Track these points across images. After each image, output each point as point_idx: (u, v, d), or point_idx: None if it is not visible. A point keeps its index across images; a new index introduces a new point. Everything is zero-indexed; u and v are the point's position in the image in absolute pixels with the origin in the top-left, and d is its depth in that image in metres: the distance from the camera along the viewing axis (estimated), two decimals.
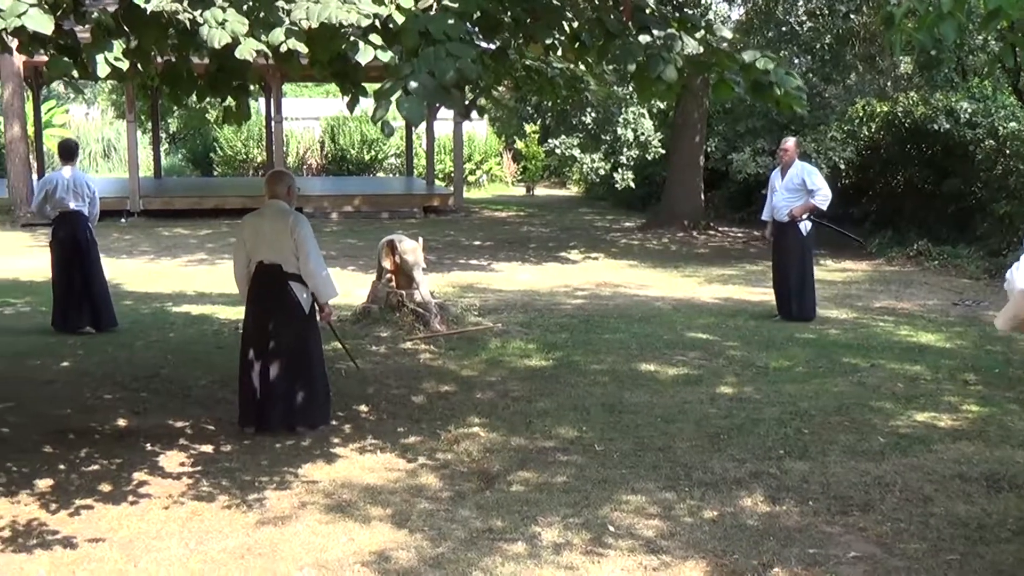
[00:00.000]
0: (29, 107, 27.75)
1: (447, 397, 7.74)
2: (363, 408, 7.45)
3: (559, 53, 6.05)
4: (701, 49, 5.46)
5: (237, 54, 4.33)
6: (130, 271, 14.20)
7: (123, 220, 21.44)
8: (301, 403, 6.95)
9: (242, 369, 7.00)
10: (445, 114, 27.01)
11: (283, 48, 4.50)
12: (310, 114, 36.77)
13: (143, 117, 35.88)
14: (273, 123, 24.07)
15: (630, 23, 5.32)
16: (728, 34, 9.72)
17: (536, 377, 8.32)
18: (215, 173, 34.02)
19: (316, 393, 7.01)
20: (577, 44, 5.61)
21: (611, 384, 8.10)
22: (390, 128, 4.71)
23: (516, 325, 10.34)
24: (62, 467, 6.08)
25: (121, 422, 7.07)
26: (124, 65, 4.54)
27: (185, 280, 13.58)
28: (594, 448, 6.50)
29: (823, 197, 10.56)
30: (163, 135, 40.20)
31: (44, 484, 5.80)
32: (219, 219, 20.77)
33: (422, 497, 5.66)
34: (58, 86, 56.72)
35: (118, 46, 4.53)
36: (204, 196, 23.20)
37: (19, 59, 20.50)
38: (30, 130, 26.55)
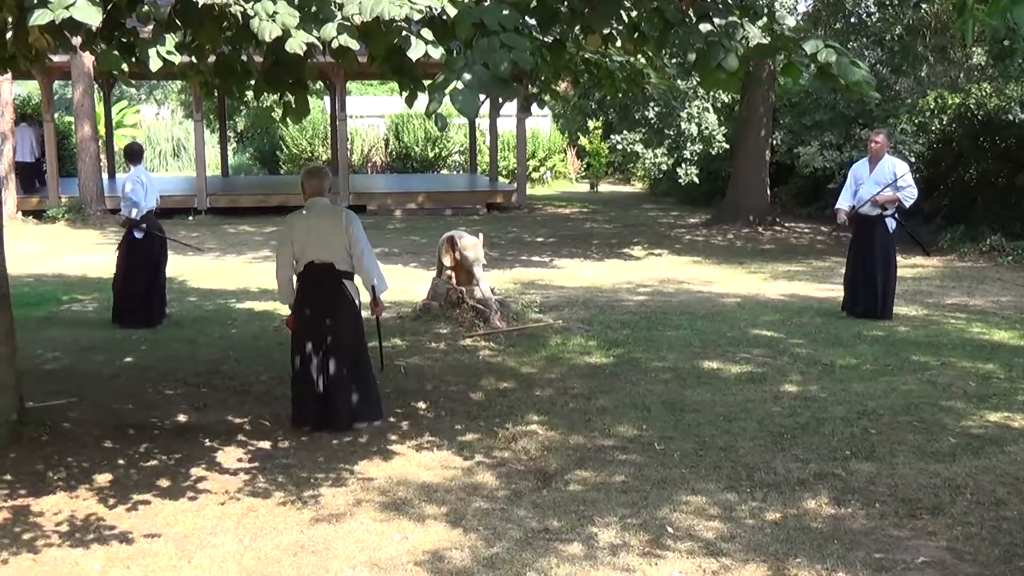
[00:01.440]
0: (101, 107, 28.29)
1: (506, 394, 7.67)
2: (421, 405, 7.41)
3: (618, 44, 5.92)
4: (765, 39, 5.30)
5: (288, 47, 4.29)
6: (195, 268, 14.33)
7: (190, 218, 21.73)
8: (360, 400, 6.93)
9: (297, 370, 6.96)
10: (508, 110, 26.97)
11: (335, 43, 4.44)
12: (375, 112, 36.95)
13: (211, 116, 36.41)
14: (337, 121, 24.19)
15: (690, 11, 5.19)
16: (791, 22, 9.52)
17: (596, 374, 8.21)
18: (281, 171, 34.37)
19: (372, 389, 7.01)
20: (636, 34, 5.48)
21: (672, 382, 7.97)
22: (443, 122, 4.64)
23: (577, 322, 10.24)
24: (121, 462, 6.12)
25: (181, 417, 7.11)
26: (176, 59, 4.52)
27: (249, 277, 13.68)
28: (654, 447, 6.38)
29: (909, 195, 10.29)
30: (231, 134, 40.74)
31: (103, 479, 5.83)
32: (284, 216, 20.84)
33: (478, 496, 5.59)
34: (131, 87, 57.76)
35: (171, 40, 4.51)
36: (270, 194, 23.40)
37: (89, 60, 20.86)
38: (101, 130, 27.08)
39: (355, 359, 6.93)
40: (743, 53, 5.05)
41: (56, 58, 21.14)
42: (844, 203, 10.63)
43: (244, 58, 5.91)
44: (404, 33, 4.58)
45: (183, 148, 40.59)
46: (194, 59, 5.63)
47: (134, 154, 10.58)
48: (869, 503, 5.43)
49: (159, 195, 10.75)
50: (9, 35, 5.67)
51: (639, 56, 7.73)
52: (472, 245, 10.10)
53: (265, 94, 6.25)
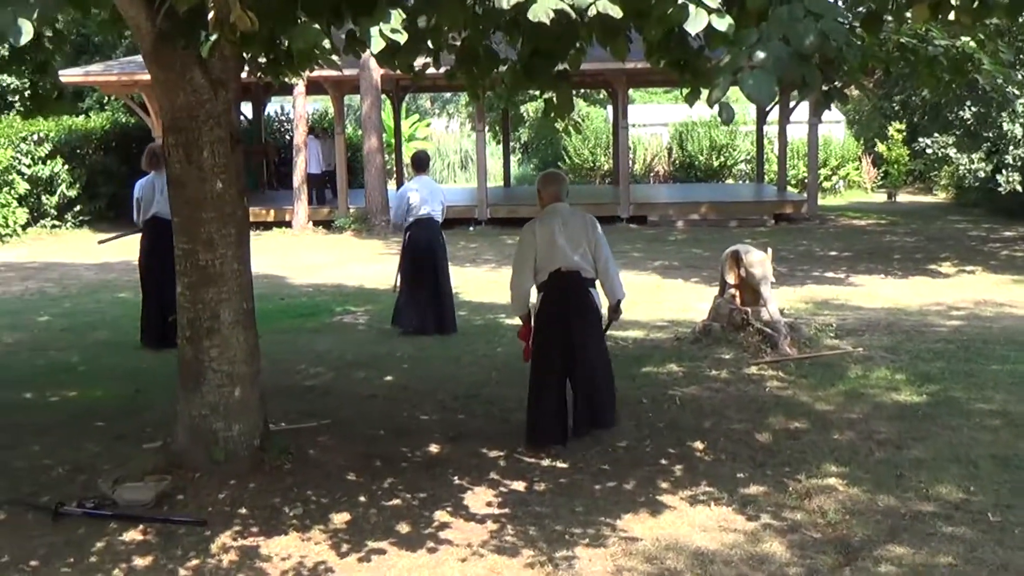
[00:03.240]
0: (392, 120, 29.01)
1: (798, 436, 6.59)
2: (698, 445, 6.46)
3: (950, 17, 4.78)
4: None
5: (530, 15, 3.52)
6: (470, 279, 13.92)
7: (471, 228, 21.68)
8: (602, 409, 6.67)
9: (538, 383, 6.58)
10: (799, 116, 25.44)
11: (592, 11, 3.62)
12: (658, 120, 36.12)
13: (496, 128, 36.78)
14: (619, 129, 23.51)
15: None
16: None
17: (906, 416, 6.96)
18: None
19: (614, 396, 6.80)
20: (977, 2, 4.35)
21: (1004, 430, 6.61)
22: (730, 112, 3.74)
23: (880, 350, 8.94)
24: (362, 499, 5.55)
25: (433, 448, 6.51)
26: (401, 38, 3.86)
27: None
28: (987, 518, 5.14)
29: None
30: (515, 145, 41.09)
31: (340, 519, 5.27)
32: None
33: (764, 571, 4.60)
34: (424, 101, 59.97)
35: (396, 17, 3.86)
36: None
37: (377, 73, 21.23)
38: (390, 141, 27.78)
39: (602, 367, 6.70)
40: None
41: (347, 72, 21.74)
42: None
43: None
44: (681, 0, 3.68)
45: (470, 160, 41.36)
46: (430, 44, 5.00)
47: (419, 163, 10.70)
48: None
49: (444, 204, 10.63)
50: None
51: (969, 40, 6.47)
52: (759, 261, 9.03)
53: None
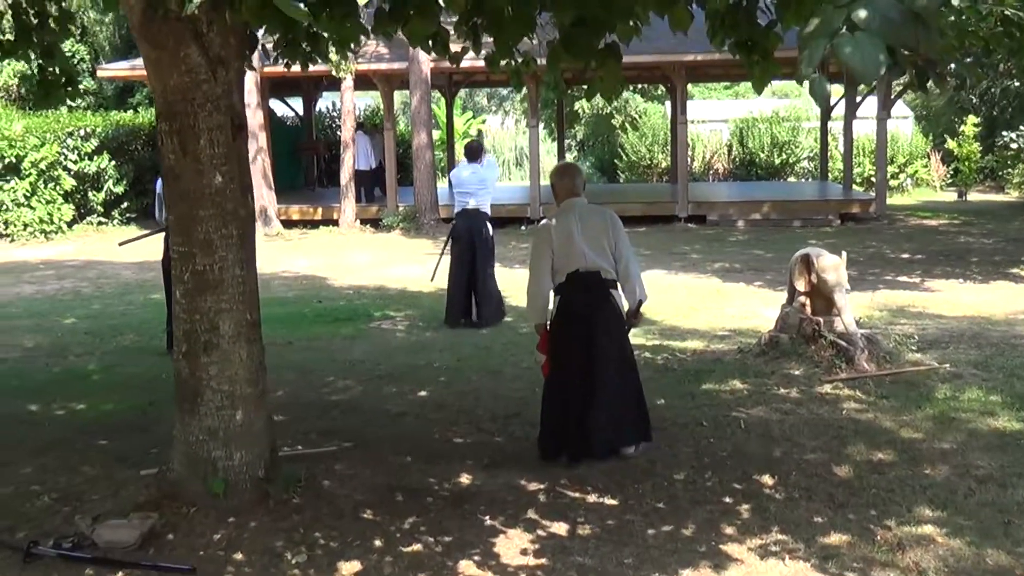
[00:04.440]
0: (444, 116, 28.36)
1: (883, 470, 5.73)
2: (767, 480, 5.63)
3: None
4: None
5: None
6: (519, 282, 13.01)
7: (523, 227, 20.94)
8: (630, 421, 6.07)
9: (553, 392, 6.05)
10: (865, 111, 24.33)
11: None
12: (718, 116, 35.14)
13: (551, 124, 35.98)
14: (678, 124, 22.61)
15: None
16: None
17: (1008, 447, 6.07)
18: (620, 179, 33.39)
19: (643, 406, 6.19)
20: None
21: None
22: (824, 89, 2.91)
23: (968, 365, 8.02)
24: (378, 543, 4.79)
25: (464, 478, 5.74)
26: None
27: None
28: None
29: None
30: (571, 143, 40.28)
31: (349, 570, 4.51)
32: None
33: None
34: (481, 98, 59.51)
35: None
36: (604, 202, 22.13)
37: (426, 66, 20.54)
38: (439, 137, 27.10)
39: (629, 377, 6.12)
40: None
41: (396, 65, 21.10)
42: None
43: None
44: None
45: (525, 157, 40.68)
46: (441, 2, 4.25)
47: (471, 151, 10.77)
48: None
49: (489, 190, 10.69)
50: None
51: None
52: (833, 266, 8.16)
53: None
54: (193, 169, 4.89)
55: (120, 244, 9.95)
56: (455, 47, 6.33)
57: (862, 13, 2.82)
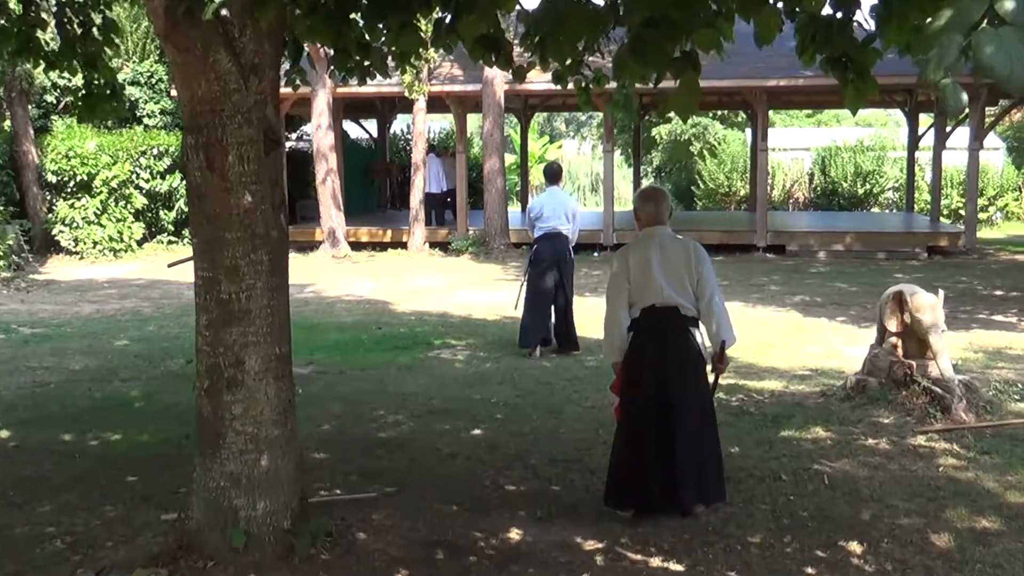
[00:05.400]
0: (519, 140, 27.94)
1: (987, 540, 5.05)
2: (854, 547, 4.98)
3: None
4: None
5: None
6: (591, 311, 12.36)
7: (595, 254, 20.39)
8: (706, 477, 5.45)
9: (625, 437, 5.48)
10: (956, 142, 23.39)
11: None
12: (798, 144, 34.30)
13: (627, 150, 35.42)
14: (758, 151, 21.88)
15: None
16: None
17: None
18: (696, 207, 32.70)
19: (720, 462, 5.59)
20: None
21: None
22: (958, 96, 2.33)
23: None
24: None
25: (514, 533, 5.18)
26: None
27: None
28: None
29: None
30: (647, 168, 39.67)
31: None
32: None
33: None
34: (560, 123, 59.21)
35: None
36: (682, 230, 21.50)
37: (500, 88, 20.14)
38: (513, 161, 26.68)
39: (704, 425, 5.48)
40: None
41: (469, 87, 20.72)
42: None
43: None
44: None
45: (601, 182, 40.28)
46: None
47: (550, 174, 10.52)
48: None
49: (573, 217, 10.33)
50: None
51: None
52: (929, 306, 7.46)
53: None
54: (220, 187, 4.43)
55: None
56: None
57: (1009, 4, 2.25)
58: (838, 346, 10.48)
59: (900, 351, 7.63)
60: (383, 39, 6.27)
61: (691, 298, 5.35)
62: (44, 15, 6.73)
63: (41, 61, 6.75)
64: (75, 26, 6.61)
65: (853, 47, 5.38)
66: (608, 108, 7.90)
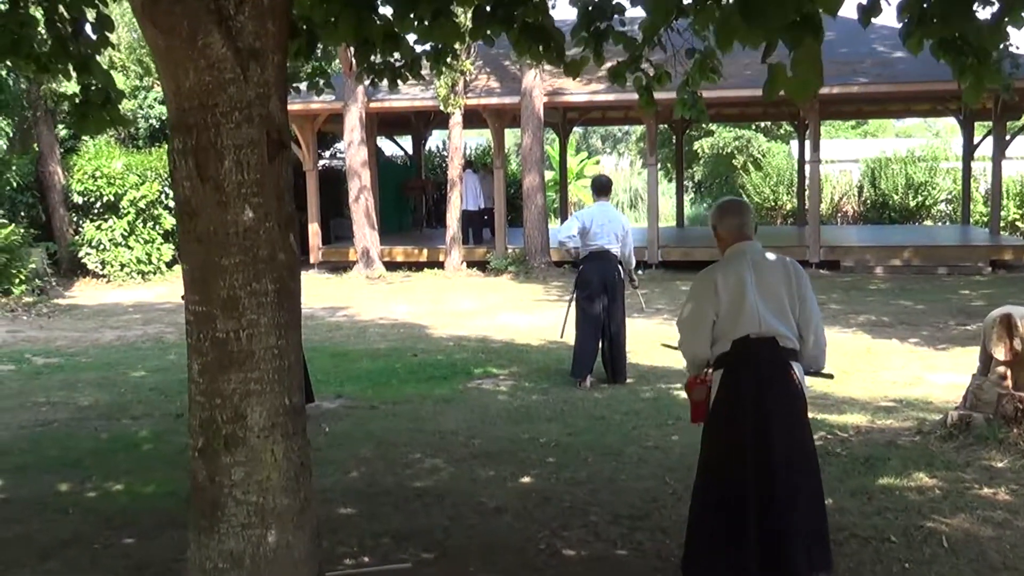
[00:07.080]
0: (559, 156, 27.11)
1: None
2: None
3: None
4: None
5: None
6: (640, 334, 11.41)
7: (639, 271, 19.43)
8: (815, 541, 4.45)
9: (709, 496, 4.54)
10: (1015, 151, 22.31)
11: None
12: (847, 156, 33.24)
13: (668, 165, 34.48)
14: (808, 163, 20.89)
15: None
16: None
17: None
18: None
19: (826, 522, 4.60)
20: None
21: None
22: None
23: None
24: None
25: None
26: None
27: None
28: None
29: None
30: (689, 183, 38.72)
31: None
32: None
33: None
34: (596, 140, 58.44)
35: None
36: None
37: (539, 101, 19.33)
38: (552, 177, 25.83)
39: (809, 481, 4.50)
40: None
41: (507, 100, 19.91)
42: None
43: None
44: None
45: (640, 198, 39.61)
46: None
47: (599, 187, 9.80)
48: None
49: (624, 235, 9.50)
50: None
51: None
52: None
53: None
54: (214, 201, 3.58)
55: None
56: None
57: None
58: (918, 372, 9.51)
59: (1010, 382, 6.65)
60: (414, 31, 5.49)
61: (792, 326, 4.45)
62: (32, 10, 5.95)
63: (32, 64, 5.98)
64: (66, 24, 5.83)
65: (973, 28, 4.55)
66: (675, 107, 7.04)
